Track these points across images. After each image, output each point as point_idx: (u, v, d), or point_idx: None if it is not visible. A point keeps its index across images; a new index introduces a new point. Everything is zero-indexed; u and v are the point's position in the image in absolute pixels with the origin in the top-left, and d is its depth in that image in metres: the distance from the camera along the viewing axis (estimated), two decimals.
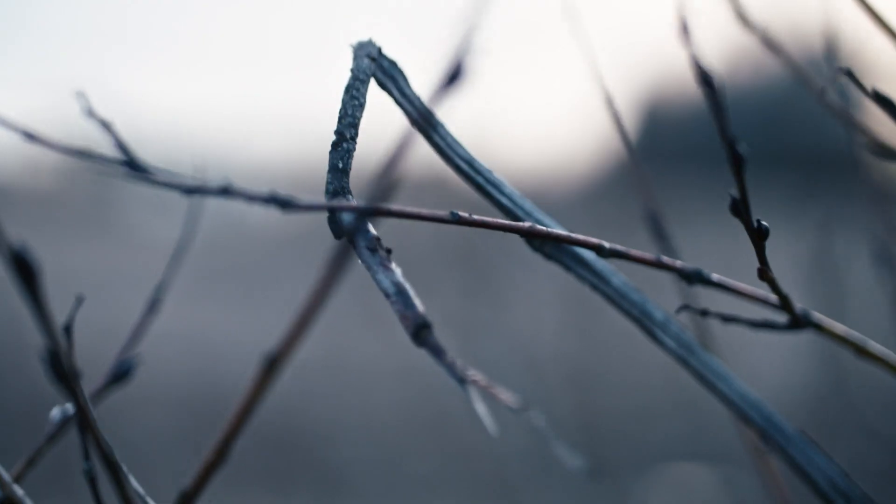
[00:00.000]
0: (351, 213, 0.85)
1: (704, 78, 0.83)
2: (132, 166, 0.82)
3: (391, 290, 0.84)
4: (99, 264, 9.30)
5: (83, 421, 0.76)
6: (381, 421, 6.46)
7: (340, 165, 0.88)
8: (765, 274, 0.89)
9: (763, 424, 0.99)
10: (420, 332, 0.82)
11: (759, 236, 0.87)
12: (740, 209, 0.83)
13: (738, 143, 0.80)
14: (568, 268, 0.96)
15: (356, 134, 0.89)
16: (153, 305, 1.06)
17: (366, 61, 0.92)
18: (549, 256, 0.95)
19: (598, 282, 0.95)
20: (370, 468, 6.12)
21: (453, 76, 0.69)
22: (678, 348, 0.96)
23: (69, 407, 1.02)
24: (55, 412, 1.02)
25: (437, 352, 0.81)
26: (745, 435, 1.09)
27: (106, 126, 0.82)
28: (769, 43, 1.14)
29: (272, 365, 0.72)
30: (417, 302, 0.83)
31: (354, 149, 0.89)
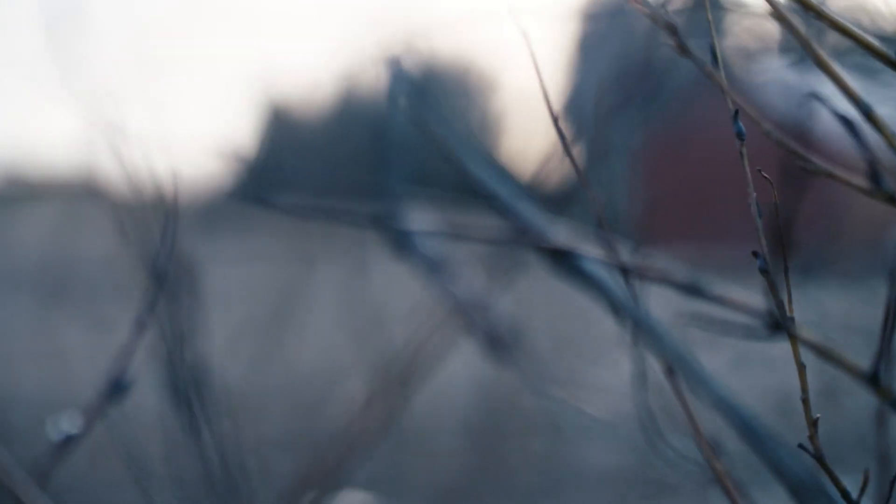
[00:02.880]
0: (412, 233, 0.88)
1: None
2: None
3: (461, 305, 0.86)
4: None
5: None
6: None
7: (394, 184, 0.91)
8: (772, 287, 0.96)
9: (741, 425, 1.06)
10: (493, 346, 0.85)
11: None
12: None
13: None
14: (574, 282, 1.00)
15: (405, 152, 0.92)
16: (140, 326, 1.05)
17: (398, 77, 0.95)
18: (565, 273, 1.00)
19: (601, 294, 1.00)
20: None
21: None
22: (672, 356, 1.02)
23: (66, 426, 1.01)
24: (56, 434, 1.00)
25: (513, 365, 0.84)
26: (702, 442, 1.16)
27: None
28: None
29: (400, 387, 0.74)
30: (488, 317, 0.86)
31: (405, 166, 0.92)
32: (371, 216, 0.83)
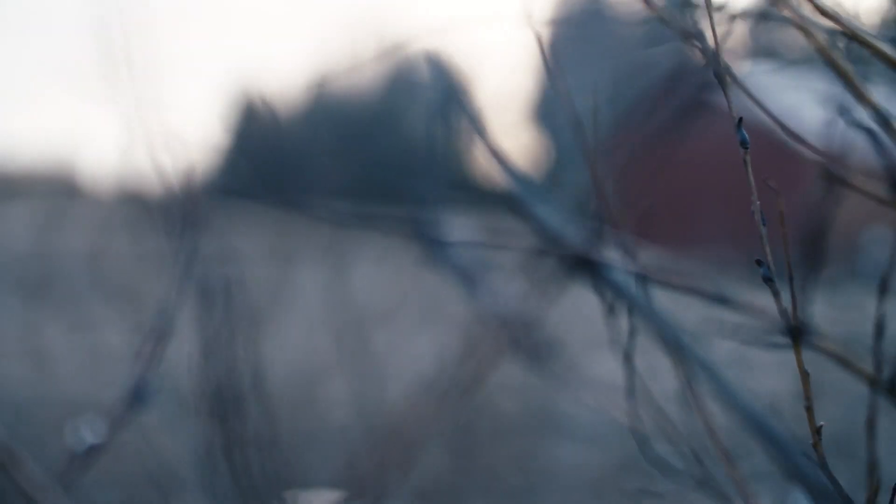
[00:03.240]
0: (445, 241, 0.88)
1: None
2: None
3: (506, 314, 0.87)
4: None
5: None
6: None
7: (434, 194, 0.91)
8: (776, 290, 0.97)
9: (757, 428, 1.07)
10: (539, 354, 0.85)
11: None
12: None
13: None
14: (600, 290, 1.01)
15: (446, 159, 0.92)
16: (162, 332, 1.05)
17: (440, 77, 0.95)
18: (587, 279, 1.00)
19: (635, 306, 1.01)
20: None
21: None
22: (698, 364, 1.03)
23: (88, 435, 1.00)
24: (77, 443, 0.99)
25: (559, 373, 0.84)
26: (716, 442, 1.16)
27: None
28: None
29: (460, 393, 0.75)
30: (526, 325, 0.86)
31: (439, 171, 0.92)
32: (405, 222, 0.83)
